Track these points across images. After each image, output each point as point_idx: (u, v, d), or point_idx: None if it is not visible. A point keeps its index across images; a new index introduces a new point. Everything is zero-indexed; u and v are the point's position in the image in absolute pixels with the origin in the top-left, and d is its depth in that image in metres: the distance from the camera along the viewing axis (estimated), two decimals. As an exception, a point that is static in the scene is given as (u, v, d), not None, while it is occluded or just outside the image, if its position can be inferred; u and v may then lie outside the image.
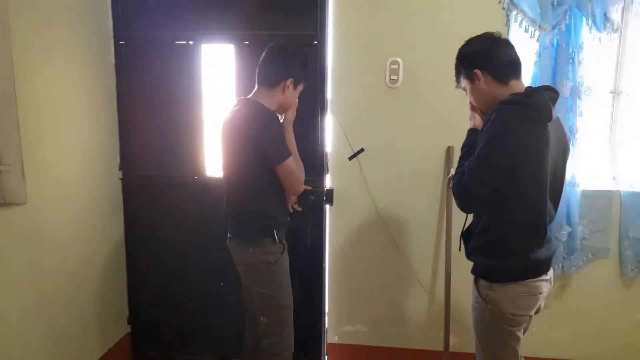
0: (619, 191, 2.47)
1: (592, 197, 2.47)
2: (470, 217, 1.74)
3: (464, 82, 1.69)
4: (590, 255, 2.51)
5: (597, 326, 2.58)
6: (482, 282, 1.67)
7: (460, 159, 1.68)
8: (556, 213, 1.69)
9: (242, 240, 1.96)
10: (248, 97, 1.92)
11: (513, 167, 1.49)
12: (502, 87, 1.59)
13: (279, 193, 1.96)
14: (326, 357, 2.75)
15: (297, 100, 1.99)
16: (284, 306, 2.00)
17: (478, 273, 1.70)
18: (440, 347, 2.58)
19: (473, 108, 1.75)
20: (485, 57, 1.60)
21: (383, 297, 2.68)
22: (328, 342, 2.74)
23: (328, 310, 2.73)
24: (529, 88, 1.58)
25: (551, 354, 2.60)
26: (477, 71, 1.60)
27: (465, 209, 1.66)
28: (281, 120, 1.96)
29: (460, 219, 2.47)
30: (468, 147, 1.68)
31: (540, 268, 1.63)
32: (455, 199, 1.65)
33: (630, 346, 2.59)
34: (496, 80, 1.60)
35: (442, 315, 2.54)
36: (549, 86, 1.64)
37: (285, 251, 1.99)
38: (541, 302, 1.66)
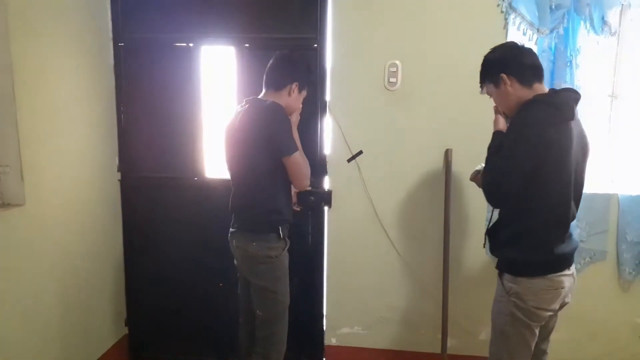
0: (617, 194, 2.47)
1: (590, 200, 2.46)
2: (496, 214, 1.81)
3: (489, 87, 1.76)
4: (588, 258, 2.51)
5: (595, 329, 2.58)
6: (507, 276, 1.74)
7: (487, 159, 1.75)
8: (577, 211, 1.76)
9: (247, 233, 2.01)
10: (258, 97, 2.01)
11: (537, 161, 1.56)
12: (526, 90, 1.67)
13: (286, 190, 2.03)
14: (324, 359, 2.75)
15: (301, 105, 2.08)
16: (280, 301, 2.05)
17: (503, 267, 1.77)
18: (438, 350, 2.58)
19: (497, 111, 1.82)
20: (511, 61, 1.68)
21: (381, 299, 2.68)
22: (325, 344, 2.74)
23: (326, 312, 2.73)
24: (552, 89, 1.68)
25: (549, 357, 2.59)
26: (503, 75, 1.67)
27: (494, 203, 1.75)
28: None
29: (459, 221, 2.50)
30: (493, 148, 1.75)
31: (563, 263, 1.70)
32: (485, 194, 1.72)
33: (628, 349, 2.59)
34: (521, 83, 1.67)
35: (440, 318, 2.54)
36: (571, 88, 1.72)
37: (287, 248, 2.05)
38: (565, 297, 1.73)
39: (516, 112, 1.67)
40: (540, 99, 1.62)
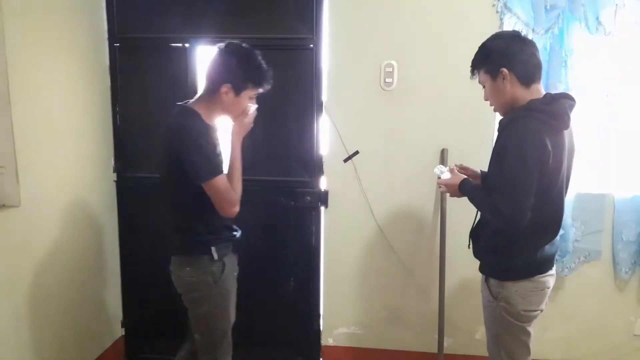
0: (612, 194, 2.48)
1: (585, 200, 2.48)
2: (479, 214, 1.79)
3: (483, 77, 1.67)
4: (582, 258, 2.52)
5: (590, 327, 2.60)
6: (493, 281, 1.72)
7: (482, 196, 1.66)
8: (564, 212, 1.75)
9: (179, 257, 1.84)
10: (188, 103, 1.77)
11: (539, 172, 1.52)
12: (524, 90, 1.60)
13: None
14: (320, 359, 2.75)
15: (247, 109, 1.78)
16: (218, 327, 1.88)
17: (488, 272, 1.75)
18: (435, 349, 2.58)
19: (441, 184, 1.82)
20: (514, 57, 1.58)
21: (377, 299, 2.68)
22: (322, 344, 2.74)
23: (322, 312, 2.73)
24: (549, 95, 1.61)
25: (544, 356, 2.60)
26: (505, 70, 1.58)
27: (521, 223, 1.53)
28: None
29: (455, 220, 2.51)
30: (479, 188, 1.72)
31: (547, 264, 1.70)
32: (506, 224, 1.57)
33: (623, 347, 2.60)
34: (521, 82, 1.60)
35: (437, 317, 2.55)
36: (567, 93, 1.66)
37: (227, 270, 1.83)
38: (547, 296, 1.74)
39: (510, 117, 1.59)
40: (536, 107, 1.55)
